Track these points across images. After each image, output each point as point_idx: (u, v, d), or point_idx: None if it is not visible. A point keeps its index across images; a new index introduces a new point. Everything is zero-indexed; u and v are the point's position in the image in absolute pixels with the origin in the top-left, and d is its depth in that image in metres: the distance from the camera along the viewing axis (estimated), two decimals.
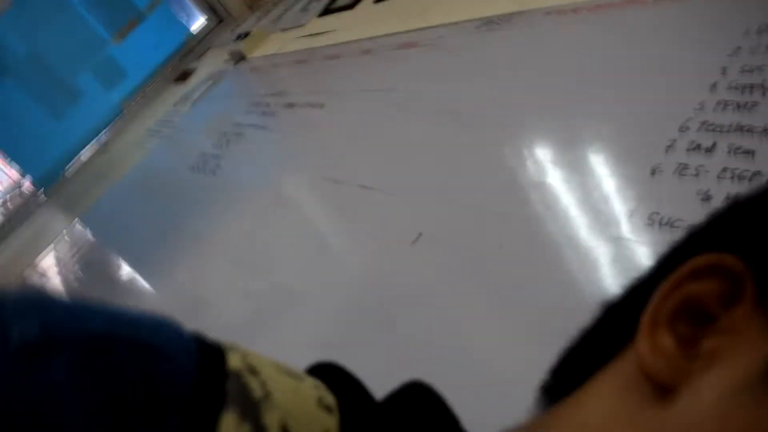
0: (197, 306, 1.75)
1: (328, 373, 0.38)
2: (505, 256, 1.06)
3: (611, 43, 1.34)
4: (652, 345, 0.30)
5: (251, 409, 0.29)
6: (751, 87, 0.95)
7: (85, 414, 0.25)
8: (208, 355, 0.31)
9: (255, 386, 0.30)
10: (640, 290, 0.33)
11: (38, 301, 0.28)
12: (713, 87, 1.00)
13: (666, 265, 0.32)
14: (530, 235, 1.06)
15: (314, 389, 0.33)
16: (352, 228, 1.54)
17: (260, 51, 3.17)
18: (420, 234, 1.25)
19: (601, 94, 1.23)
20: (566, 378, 0.37)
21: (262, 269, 1.66)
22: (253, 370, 0.31)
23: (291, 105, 2.35)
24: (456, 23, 1.89)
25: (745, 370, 0.26)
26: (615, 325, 0.34)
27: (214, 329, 1.30)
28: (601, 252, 0.92)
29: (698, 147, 0.92)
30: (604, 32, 1.38)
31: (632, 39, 1.30)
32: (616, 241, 0.91)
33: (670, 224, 0.86)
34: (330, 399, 0.33)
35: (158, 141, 3.28)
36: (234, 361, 0.31)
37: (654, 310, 0.31)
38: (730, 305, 0.28)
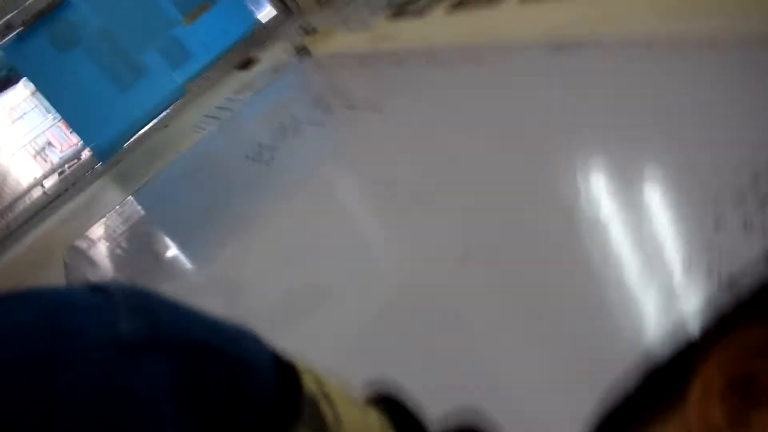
0: (236, 289, 1.78)
1: (389, 405, 0.38)
2: (553, 288, 1.04)
3: (685, 82, 1.31)
4: (702, 418, 0.30)
5: None
6: None
7: (177, 411, 0.27)
8: (287, 374, 0.32)
9: (328, 412, 0.31)
10: (689, 354, 0.33)
11: (147, 300, 0.30)
12: None
13: (716, 330, 0.32)
14: (581, 270, 1.04)
15: (378, 422, 0.34)
16: (399, 235, 1.54)
17: (325, 48, 3.20)
18: (467, 251, 1.24)
19: (669, 133, 1.19)
20: None
21: (303, 263, 1.67)
22: (326, 396, 0.32)
23: (351, 105, 2.37)
24: (527, 43, 1.87)
25: None
26: (661, 388, 0.34)
27: (248, 314, 1.31)
28: (652, 299, 0.90)
29: None
30: (679, 70, 1.35)
31: (708, 80, 1.27)
32: (669, 290, 0.89)
33: (729, 279, 0.83)
34: None
35: (216, 125, 3.35)
36: (309, 384, 0.32)
37: (705, 381, 0.30)
38: None
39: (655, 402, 0.33)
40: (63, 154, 4.64)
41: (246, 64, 4.08)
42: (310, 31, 3.43)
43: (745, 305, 0.34)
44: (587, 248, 1.08)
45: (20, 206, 4.00)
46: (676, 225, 1.00)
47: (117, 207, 3.14)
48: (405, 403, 0.40)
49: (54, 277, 2.73)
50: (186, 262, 2.23)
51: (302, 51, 3.30)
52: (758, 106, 1.10)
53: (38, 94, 4.66)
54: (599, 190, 1.20)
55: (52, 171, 4.59)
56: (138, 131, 4.16)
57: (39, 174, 4.66)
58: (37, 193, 4.16)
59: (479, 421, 0.41)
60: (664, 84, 1.34)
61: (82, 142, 4.17)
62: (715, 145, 1.08)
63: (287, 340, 1.33)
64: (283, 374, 0.32)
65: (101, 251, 2.77)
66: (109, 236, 2.87)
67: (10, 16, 3.65)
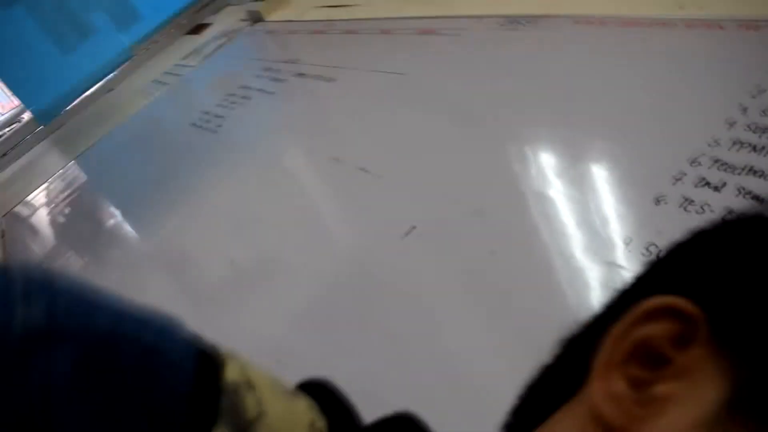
0: (181, 261, 1.74)
1: (320, 393, 0.37)
2: (496, 262, 1.04)
3: (635, 62, 1.32)
4: (604, 388, 0.30)
5: (243, 429, 0.28)
6: None
7: (77, 407, 0.24)
8: (207, 364, 0.30)
9: (250, 403, 0.29)
10: (598, 328, 0.32)
11: (46, 284, 0.27)
12: (731, 124, 0.99)
13: (624, 303, 0.32)
14: (524, 245, 1.04)
15: (307, 411, 0.33)
16: (346, 209, 1.52)
17: (279, 15, 3.13)
18: (413, 227, 1.23)
19: (616, 112, 1.21)
20: (526, 417, 0.36)
21: (250, 235, 1.65)
22: (250, 385, 0.30)
23: (302, 75, 2.32)
24: (480, 17, 1.85)
25: (697, 411, 0.25)
26: (572, 363, 0.33)
27: (194, 287, 1.28)
28: (591, 274, 0.91)
29: (707, 183, 0.91)
30: (629, 50, 1.36)
31: (656, 61, 1.28)
32: (609, 266, 0.90)
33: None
34: (321, 423, 0.33)
35: (164, 91, 3.24)
36: (232, 374, 0.30)
37: (606, 352, 0.30)
38: (683, 347, 0.28)
39: (569, 379, 0.33)
40: (2, 116, 4.44)
41: (196, 29, 3.96)
42: None
43: (645, 282, 0.34)
44: (530, 223, 1.09)
45: None
46: (618, 202, 1.02)
47: (58, 172, 3.03)
48: (335, 390, 0.39)
49: None
50: (129, 231, 2.17)
51: (255, 17, 3.22)
52: (703, 91, 1.12)
53: None
54: (544, 166, 1.21)
55: None
56: (81, 94, 4.00)
57: None
58: None
59: (413, 416, 0.40)
60: (614, 64, 1.35)
61: (22, 104, 3.98)
62: (660, 126, 1.10)
63: (232, 313, 1.31)
64: (202, 366, 0.30)
65: (41, 218, 2.67)
66: (49, 203, 2.77)
67: None
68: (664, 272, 0.34)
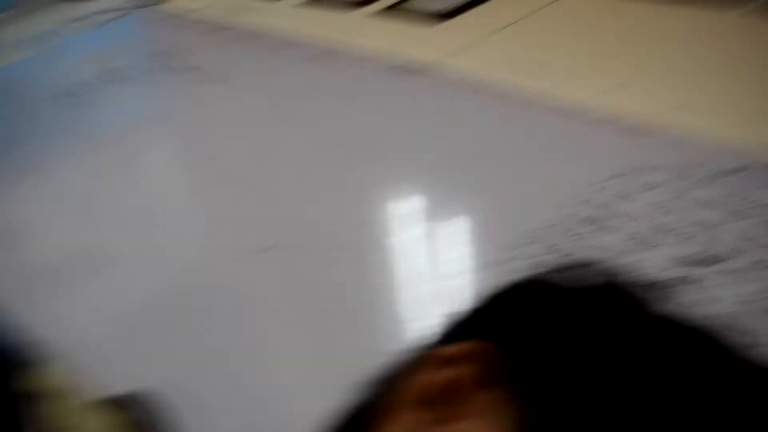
0: (10, 236, 1.59)
1: (139, 407, 0.34)
2: (338, 297, 1.05)
3: (505, 132, 1.38)
4: (394, 427, 0.30)
5: None
6: (615, 215, 1.01)
7: None
8: (8, 367, 0.25)
9: (50, 413, 0.26)
10: (405, 372, 0.34)
11: None
12: (586, 202, 1.05)
13: (427, 347, 0.35)
14: (369, 283, 1.06)
15: (115, 424, 0.30)
16: (197, 216, 1.48)
17: (178, 3, 3.01)
18: (270, 246, 1.21)
19: (484, 174, 1.27)
20: None
21: (90, 223, 1.54)
22: (53, 394, 0.27)
23: (191, 70, 2.23)
24: (371, 57, 1.87)
25: None
26: (373, 405, 0.34)
27: (11, 267, 1.15)
28: (429, 325, 0.92)
29: (556, 250, 0.96)
30: (501, 119, 1.42)
31: (529, 136, 1.35)
32: (442, 319, 0.91)
33: None
34: None
35: (32, 52, 3.00)
36: (34, 381, 0.26)
37: (402, 393, 0.30)
38: (482, 388, 0.29)
39: (366, 418, 0.34)
40: None
41: None
42: None
43: (460, 326, 0.38)
44: (380, 264, 1.11)
45: None
46: (466, 260, 1.05)
47: None
48: (153, 408, 0.37)
49: None
50: None
51: None
52: (568, 168, 1.19)
53: None
54: (400, 212, 1.25)
55: None
56: None
57: None
58: None
59: None
60: (485, 130, 1.40)
61: None
62: (521, 192, 1.15)
63: (50, 302, 1.18)
64: (4, 371, 0.26)
65: None
66: None
67: None
68: (470, 322, 0.37)
